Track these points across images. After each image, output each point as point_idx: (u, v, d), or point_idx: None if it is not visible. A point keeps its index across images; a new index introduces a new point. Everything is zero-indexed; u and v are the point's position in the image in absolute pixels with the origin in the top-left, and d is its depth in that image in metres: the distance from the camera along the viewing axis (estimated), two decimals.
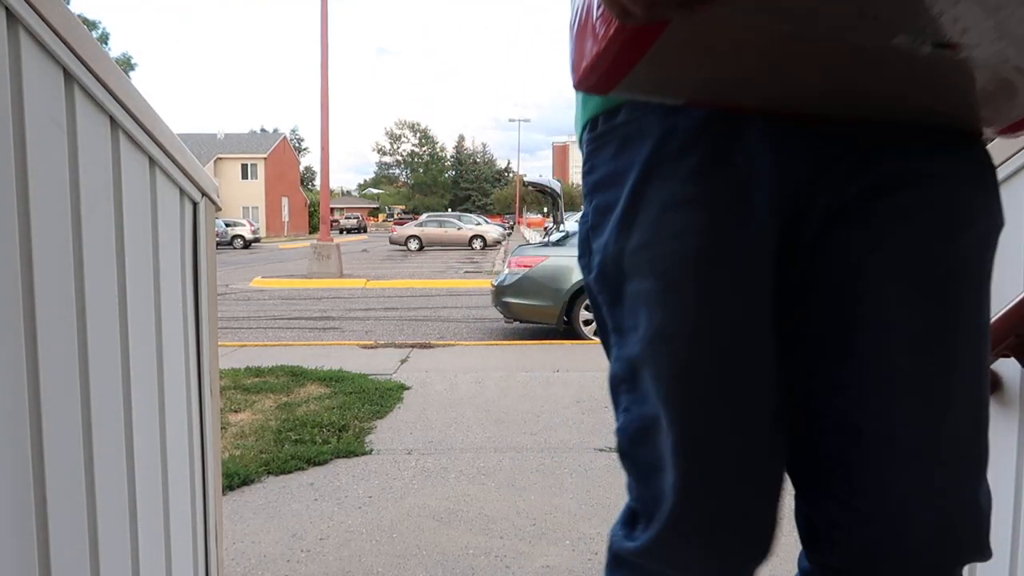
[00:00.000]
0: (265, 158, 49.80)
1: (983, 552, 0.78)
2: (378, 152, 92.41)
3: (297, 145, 75.86)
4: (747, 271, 0.70)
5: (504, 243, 31.00)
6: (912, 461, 0.73)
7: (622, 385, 0.80)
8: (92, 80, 1.23)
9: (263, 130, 73.46)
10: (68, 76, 1.17)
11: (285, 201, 53.74)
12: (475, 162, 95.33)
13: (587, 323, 7.53)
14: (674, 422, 0.74)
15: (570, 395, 5.03)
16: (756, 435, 0.76)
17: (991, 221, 0.76)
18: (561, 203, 8.67)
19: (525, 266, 7.63)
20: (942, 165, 0.72)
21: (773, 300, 0.73)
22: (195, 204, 1.79)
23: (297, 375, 5.47)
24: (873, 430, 0.73)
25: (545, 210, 57.96)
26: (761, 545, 0.87)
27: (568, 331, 7.71)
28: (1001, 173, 1.40)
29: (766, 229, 0.70)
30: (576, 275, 7.45)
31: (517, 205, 64.24)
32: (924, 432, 0.72)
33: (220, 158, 49.08)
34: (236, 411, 4.53)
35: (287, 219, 54.19)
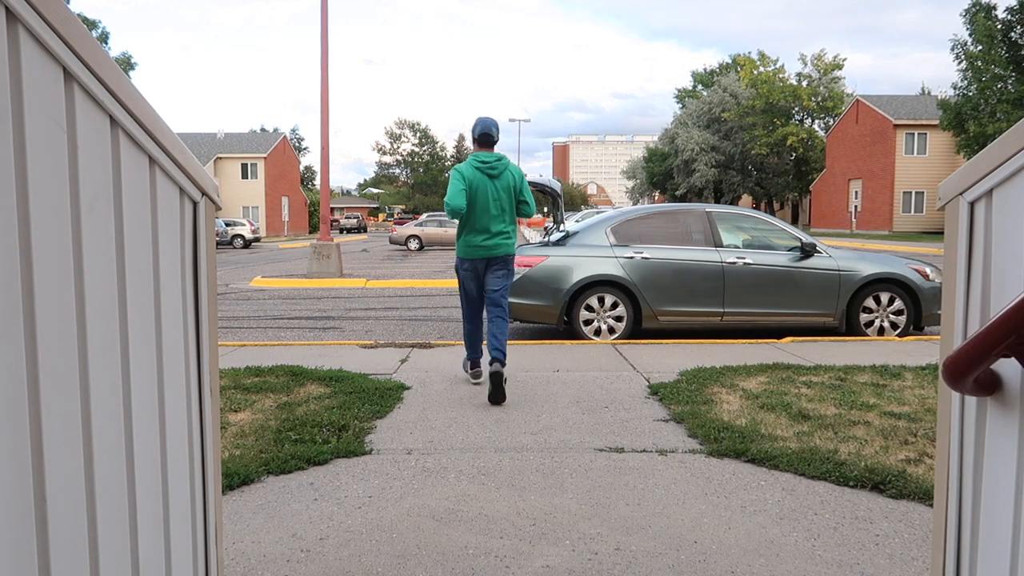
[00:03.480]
0: (265, 158, 49.80)
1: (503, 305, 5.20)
2: (378, 152, 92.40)
3: (297, 145, 75.73)
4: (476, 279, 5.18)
5: None
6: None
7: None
8: (92, 79, 1.23)
9: (263, 130, 73.43)
10: (68, 75, 1.17)
11: (285, 201, 53.74)
12: None
13: (587, 323, 7.53)
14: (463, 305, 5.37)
15: (570, 395, 5.03)
16: (478, 305, 5.30)
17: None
18: (561, 203, 8.66)
19: (525, 266, 7.63)
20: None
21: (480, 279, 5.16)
22: (195, 204, 1.79)
23: (297, 375, 5.47)
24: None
25: (545, 210, 57.77)
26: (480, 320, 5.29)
27: (568, 331, 7.71)
28: (1001, 173, 1.40)
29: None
30: (576, 275, 7.46)
31: None
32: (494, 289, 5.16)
33: (220, 158, 49.07)
34: (236, 411, 4.53)
35: (287, 219, 54.20)
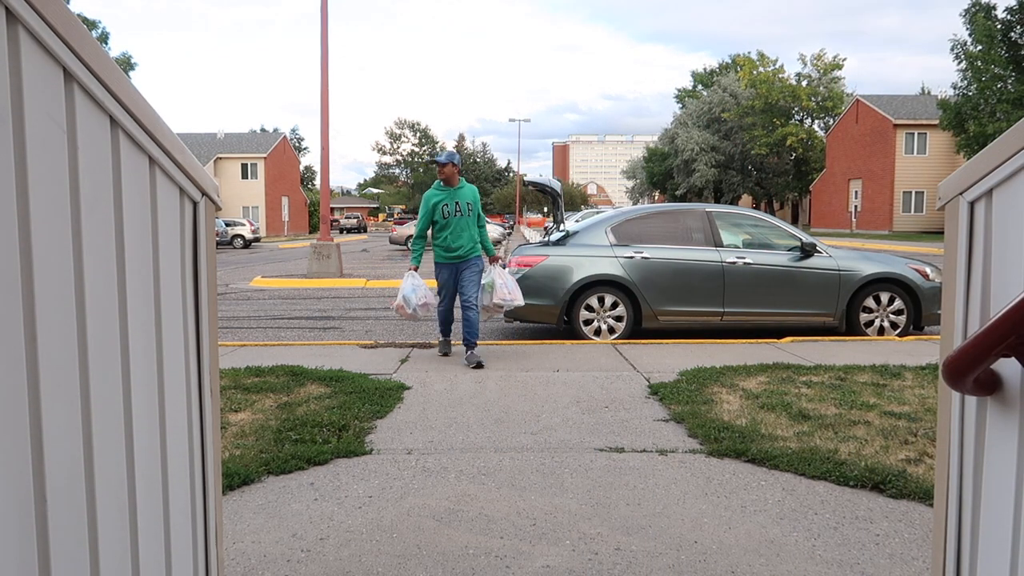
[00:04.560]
0: (265, 158, 49.78)
1: (474, 306, 6.26)
2: (378, 152, 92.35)
3: (297, 145, 75.67)
4: (452, 278, 6.28)
5: (504, 243, 30.98)
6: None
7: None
8: (92, 80, 1.23)
9: (263, 130, 73.39)
10: (68, 76, 1.17)
11: (285, 201, 53.73)
12: (475, 162, 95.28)
13: (587, 323, 7.53)
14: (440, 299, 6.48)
15: (570, 395, 5.03)
16: (451, 300, 6.38)
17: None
18: (561, 203, 8.65)
19: (525, 265, 7.62)
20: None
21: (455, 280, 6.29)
22: (195, 204, 1.79)
23: (297, 375, 5.46)
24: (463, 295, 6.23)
25: (545, 210, 57.79)
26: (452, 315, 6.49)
27: (568, 331, 7.71)
28: (1001, 173, 1.40)
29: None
30: (576, 275, 7.46)
31: (517, 205, 64.24)
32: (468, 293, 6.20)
33: (220, 158, 49.06)
34: (236, 411, 4.53)
35: (287, 219, 54.18)
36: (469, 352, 6.08)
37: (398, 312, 6.24)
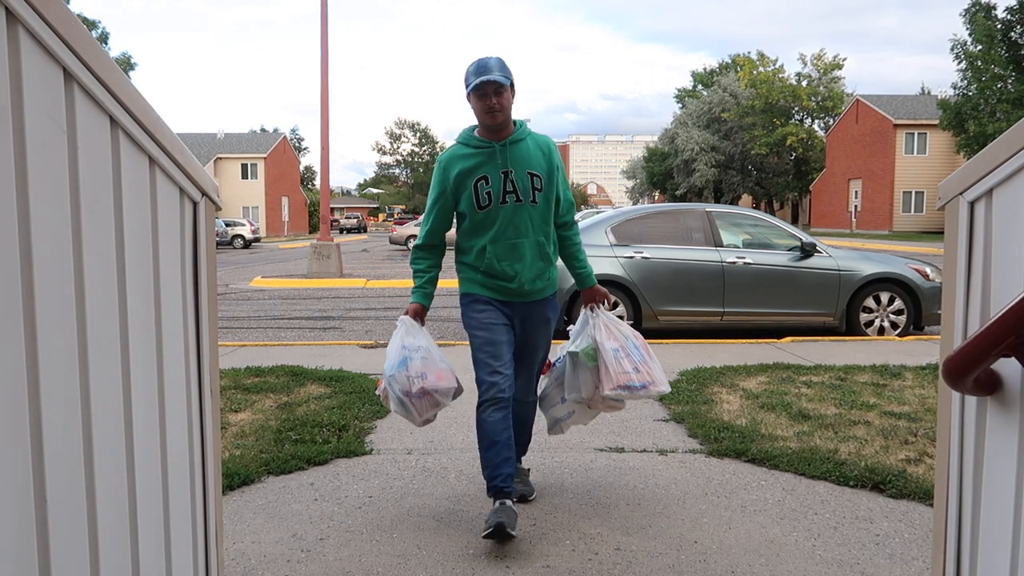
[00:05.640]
0: (265, 158, 49.78)
1: (532, 397, 3.29)
2: (378, 152, 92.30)
3: (297, 145, 75.63)
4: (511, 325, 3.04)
5: None
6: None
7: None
8: (92, 80, 1.23)
9: (263, 130, 73.36)
10: (68, 76, 1.17)
11: (285, 201, 53.73)
12: None
13: None
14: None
15: None
16: (508, 361, 2.99)
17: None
18: None
19: None
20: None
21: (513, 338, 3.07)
22: (195, 204, 1.79)
23: (297, 375, 5.46)
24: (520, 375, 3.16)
25: None
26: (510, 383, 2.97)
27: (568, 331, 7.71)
28: (1001, 173, 1.40)
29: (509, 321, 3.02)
30: None
31: None
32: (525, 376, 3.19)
33: (220, 158, 49.06)
34: (236, 411, 4.53)
35: (287, 219, 54.18)
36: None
37: (384, 403, 3.11)
